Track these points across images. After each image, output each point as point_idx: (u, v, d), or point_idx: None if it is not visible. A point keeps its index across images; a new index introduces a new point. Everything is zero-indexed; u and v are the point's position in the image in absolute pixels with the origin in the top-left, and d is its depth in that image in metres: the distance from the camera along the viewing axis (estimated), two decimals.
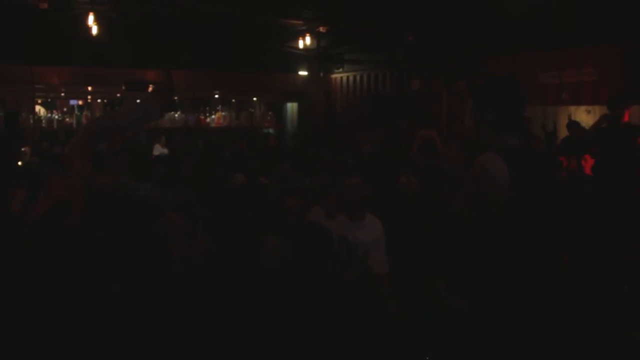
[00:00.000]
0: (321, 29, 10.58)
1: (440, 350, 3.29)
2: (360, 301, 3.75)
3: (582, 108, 9.92)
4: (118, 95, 11.11)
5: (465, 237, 2.74)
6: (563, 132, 9.39)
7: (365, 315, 3.58)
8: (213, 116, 11.82)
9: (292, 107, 13.85)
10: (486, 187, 2.52)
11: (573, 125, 9.01)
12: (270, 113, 12.51)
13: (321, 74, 13.22)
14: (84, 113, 10.63)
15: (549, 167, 2.96)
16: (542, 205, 2.70)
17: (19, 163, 7.43)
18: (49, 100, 11.27)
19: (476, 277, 2.73)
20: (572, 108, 9.91)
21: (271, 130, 12.31)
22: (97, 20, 8.54)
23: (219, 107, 12.05)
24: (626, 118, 6.58)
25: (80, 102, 11.56)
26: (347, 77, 13.25)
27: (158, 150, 10.82)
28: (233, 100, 12.42)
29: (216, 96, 12.25)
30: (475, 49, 9.53)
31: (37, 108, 10.81)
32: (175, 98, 11.84)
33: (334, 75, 13.54)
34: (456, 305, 3.00)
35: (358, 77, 12.98)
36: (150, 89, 10.36)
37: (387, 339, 3.54)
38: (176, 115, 11.16)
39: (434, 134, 7.15)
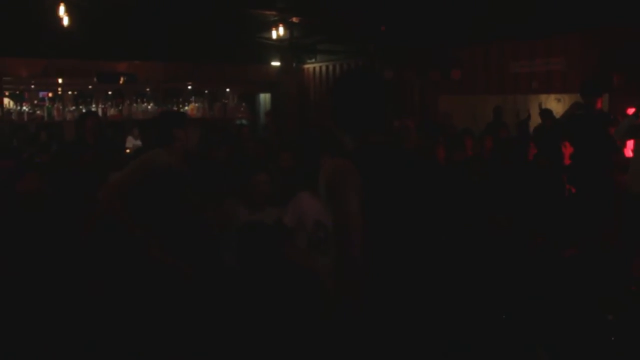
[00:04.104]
0: (294, 19, 10.57)
1: None
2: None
3: (553, 96, 10.09)
4: (90, 87, 10.97)
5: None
6: (534, 120, 9.56)
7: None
8: (186, 107, 11.73)
9: (265, 97, 13.83)
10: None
11: (545, 113, 9.17)
12: (243, 104, 12.47)
13: (294, 65, 13.21)
14: (55, 105, 10.48)
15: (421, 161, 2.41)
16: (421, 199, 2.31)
17: None
18: (17, 92, 11.09)
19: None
20: (543, 97, 10.07)
21: (244, 121, 12.28)
22: (68, 11, 8.39)
23: (192, 99, 11.96)
24: (599, 105, 6.69)
25: (50, 95, 11.40)
26: (320, 68, 13.27)
27: (131, 142, 10.73)
28: (206, 92, 12.36)
29: (189, 87, 12.16)
30: (448, 39, 9.62)
31: (6, 101, 10.62)
32: (147, 90, 11.73)
33: (306, 66, 13.55)
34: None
35: (331, 67, 13.01)
36: (121, 80, 10.18)
37: None
38: (149, 107, 11.05)
39: (409, 122, 7.22)
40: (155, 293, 3.34)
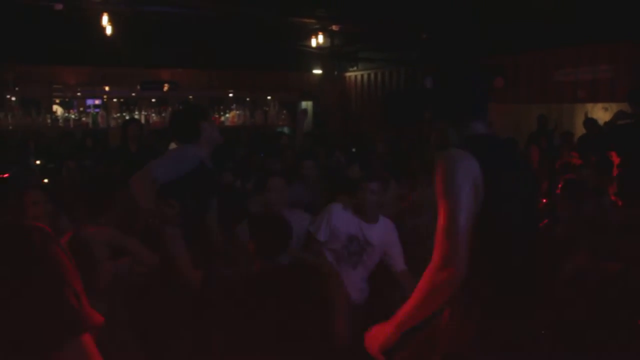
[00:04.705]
0: (334, 27, 10.56)
1: None
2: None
3: (599, 105, 9.82)
4: (133, 94, 11.17)
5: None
6: (580, 130, 9.31)
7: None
8: (227, 115, 11.84)
9: (306, 105, 13.84)
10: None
11: (589, 122, 8.92)
12: (284, 112, 12.50)
13: (335, 73, 13.21)
14: (100, 112, 10.71)
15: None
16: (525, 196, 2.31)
17: None
18: (67, 100, 11.38)
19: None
20: (589, 105, 9.81)
21: (286, 129, 12.30)
22: (112, 20, 8.58)
23: (234, 106, 12.06)
24: None
25: (97, 102, 11.64)
26: (362, 76, 13.24)
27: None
28: (247, 99, 12.44)
29: (230, 95, 12.26)
30: (490, 47, 9.46)
31: (55, 108, 10.93)
32: (190, 97, 11.88)
33: (348, 74, 13.52)
34: None
35: (372, 75, 12.96)
36: (165, 88, 10.30)
37: None
38: None
39: None
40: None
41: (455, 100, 2.29)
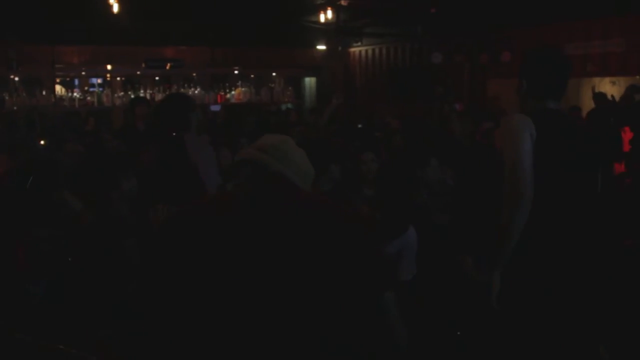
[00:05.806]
0: (342, 2, 10.43)
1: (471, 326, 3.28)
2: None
3: (607, 79, 9.75)
4: (138, 72, 11.07)
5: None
6: (586, 105, 9.25)
7: None
8: (233, 92, 11.77)
9: (310, 81, 13.75)
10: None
11: (599, 97, 8.86)
12: (290, 88, 12.42)
13: (340, 48, 13.09)
14: (104, 92, 10.63)
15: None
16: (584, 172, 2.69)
17: None
18: (68, 79, 11.27)
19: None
20: (597, 80, 9.75)
21: (290, 105, 12.24)
22: None
23: (239, 83, 11.98)
24: None
25: (99, 81, 11.55)
26: (366, 51, 13.12)
27: None
28: (252, 76, 12.35)
29: (235, 72, 12.17)
30: (498, 21, 9.36)
31: (58, 87, 10.81)
32: (194, 74, 11.76)
33: (352, 49, 13.41)
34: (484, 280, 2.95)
35: (377, 51, 12.85)
36: (168, 66, 10.21)
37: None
38: (196, 91, 11.11)
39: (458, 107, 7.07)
40: None
41: (534, 81, 2.74)
